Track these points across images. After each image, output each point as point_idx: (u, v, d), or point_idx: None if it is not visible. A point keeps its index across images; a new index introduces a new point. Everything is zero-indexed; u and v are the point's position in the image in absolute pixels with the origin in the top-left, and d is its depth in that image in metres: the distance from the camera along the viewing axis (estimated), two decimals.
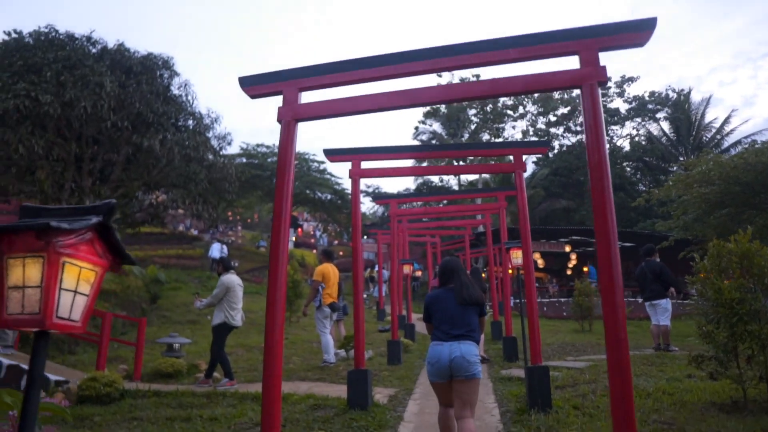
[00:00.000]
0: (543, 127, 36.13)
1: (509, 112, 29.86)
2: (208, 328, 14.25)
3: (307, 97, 4.11)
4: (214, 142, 15.79)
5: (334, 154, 6.15)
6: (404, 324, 12.36)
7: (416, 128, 34.86)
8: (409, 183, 35.29)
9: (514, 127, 35.08)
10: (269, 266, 3.67)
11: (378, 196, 10.95)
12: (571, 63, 4.14)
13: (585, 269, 22.26)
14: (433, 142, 37.55)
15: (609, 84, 36.48)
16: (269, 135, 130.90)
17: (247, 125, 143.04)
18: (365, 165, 6.19)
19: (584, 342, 10.75)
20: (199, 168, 14.06)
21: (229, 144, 15.97)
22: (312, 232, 47.38)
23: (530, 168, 37.13)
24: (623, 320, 3.09)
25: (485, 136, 32.94)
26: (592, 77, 3.48)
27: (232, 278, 7.63)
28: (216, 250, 25.61)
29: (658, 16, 3.64)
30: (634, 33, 3.54)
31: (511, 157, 6.74)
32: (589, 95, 3.43)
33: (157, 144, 12.79)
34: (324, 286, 8.68)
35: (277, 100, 4.03)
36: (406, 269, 12.61)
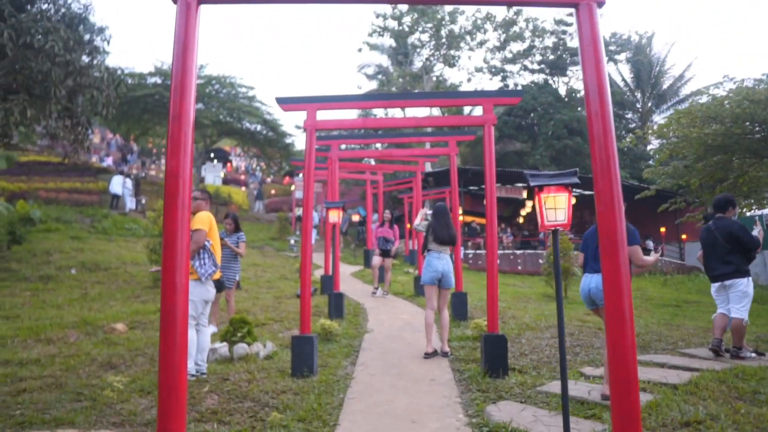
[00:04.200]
0: (498, 64, 33.11)
1: (467, 38, 26.34)
2: (68, 288, 10.78)
3: None
4: (86, 38, 11.73)
5: None
6: (329, 289, 9.16)
7: (360, 51, 30.76)
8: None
9: (470, 57, 31.99)
10: None
11: (285, 100, 6.84)
12: None
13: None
14: (379, 76, 33.86)
15: (569, 21, 32.93)
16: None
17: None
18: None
19: (581, 328, 7.73)
20: (49, 66, 10.02)
21: (107, 42, 11.83)
22: (243, 168, 43.15)
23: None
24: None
25: (438, 65, 29.41)
26: None
27: None
28: (117, 184, 21.71)
29: None
30: None
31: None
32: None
33: None
34: (210, 242, 5.36)
35: None
36: (333, 216, 9.18)
